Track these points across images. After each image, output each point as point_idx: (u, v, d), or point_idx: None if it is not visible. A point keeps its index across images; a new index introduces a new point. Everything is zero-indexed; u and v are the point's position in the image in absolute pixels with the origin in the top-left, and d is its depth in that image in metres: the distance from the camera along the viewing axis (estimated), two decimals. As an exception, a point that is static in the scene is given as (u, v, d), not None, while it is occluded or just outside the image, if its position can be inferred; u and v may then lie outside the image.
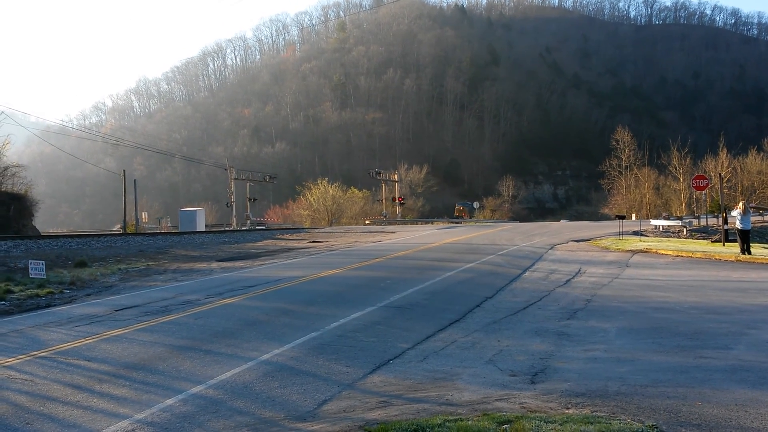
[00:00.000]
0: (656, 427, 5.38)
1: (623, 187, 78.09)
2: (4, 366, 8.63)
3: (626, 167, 78.64)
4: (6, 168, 43.43)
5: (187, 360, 8.70)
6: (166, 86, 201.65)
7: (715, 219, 42.88)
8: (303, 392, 7.20)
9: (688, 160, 69.55)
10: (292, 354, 8.88)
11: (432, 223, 65.06)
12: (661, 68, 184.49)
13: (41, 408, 6.82)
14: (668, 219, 43.61)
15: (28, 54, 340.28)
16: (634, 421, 5.56)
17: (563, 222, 64.37)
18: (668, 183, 74.29)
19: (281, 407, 6.71)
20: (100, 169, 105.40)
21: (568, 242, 29.73)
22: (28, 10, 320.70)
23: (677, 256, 23.01)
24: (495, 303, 13.40)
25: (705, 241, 30.29)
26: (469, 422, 5.56)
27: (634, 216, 63.18)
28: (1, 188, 41.33)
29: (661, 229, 37.50)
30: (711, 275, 17.81)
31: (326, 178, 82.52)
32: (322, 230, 49.66)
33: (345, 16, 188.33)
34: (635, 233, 33.90)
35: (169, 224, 75.58)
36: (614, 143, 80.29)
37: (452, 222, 67.05)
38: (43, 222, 70.48)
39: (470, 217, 78.44)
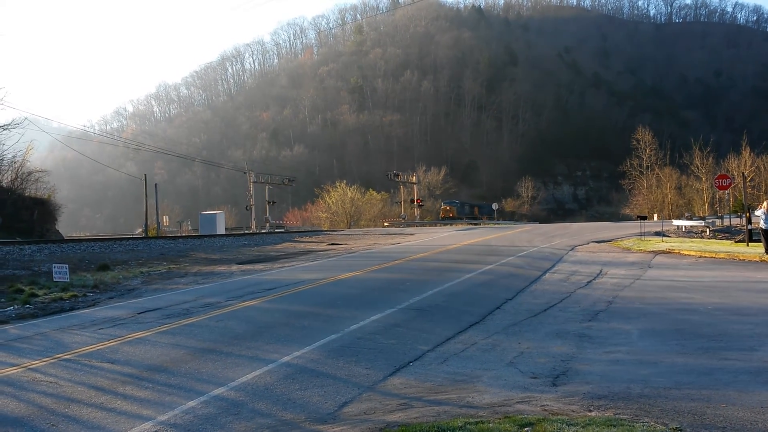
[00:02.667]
0: (680, 430, 5.32)
1: (644, 188, 77.24)
2: (29, 368, 8.77)
3: (647, 167, 77.77)
4: (29, 173, 44.16)
5: (208, 362, 8.77)
6: (185, 91, 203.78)
7: (739, 219, 42.21)
8: (323, 394, 7.22)
9: (710, 159, 68.61)
10: (312, 356, 8.91)
11: (451, 224, 64.88)
12: (682, 67, 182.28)
13: (66, 410, 6.92)
14: (691, 219, 43.10)
15: (50, 60, 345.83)
16: (657, 423, 5.50)
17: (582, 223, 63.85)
18: (690, 183, 73.35)
19: (302, 409, 6.74)
20: (121, 173, 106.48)
21: (588, 243, 29.48)
22: (51, 18, 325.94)
23: (700, 256, 22.71)
24: (515, 305, 13.33)
25: (728, 241, 29.84)
26: (490, 425, 5.54)
27: (655, 216, 62.49)
28: (24, 193, 42.03)
29: (683, 229, 37.05)
30: (735, 276, 17.56)
31: (344, 181, 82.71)
32: (341, 233, 49.78)
33: (362, 18, 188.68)
34: (657, 234, 33.52)
35: (190, 227, 76.38)
36: (635, 143, 79.45)
37: (471, 224, 66.81)
38: (66, 226, 71.55)
39: (489, 219, 77.85)
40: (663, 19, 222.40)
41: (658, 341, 9.57)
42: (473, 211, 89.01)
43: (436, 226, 63.15)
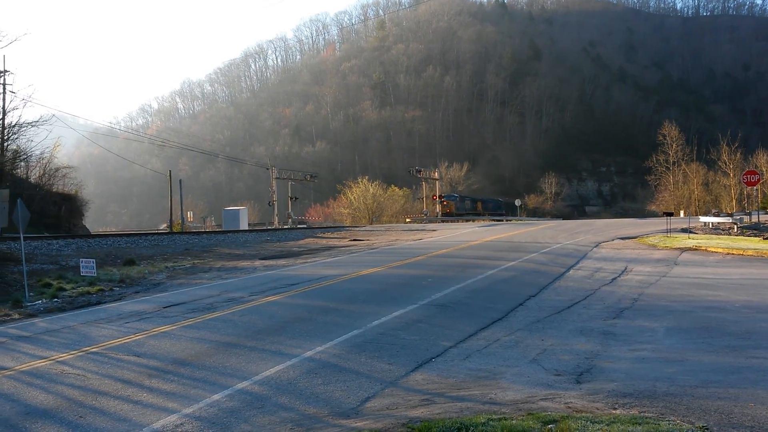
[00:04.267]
0: (707, 429, 5.25)
1: (671, 184, 76.08)
2: (57, 361, 8.95)
3: (674, 163, 76.60)
4: (57, 169, 44.93)
5: (232, 356, 8.86)
6: (209, 88, 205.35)
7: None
8: (346, 389, 7.25)
9: (738, 154, 67.29)
10: (335, 351, 8.95)
11: (473, 221, 64.62)
12: (710, 61, 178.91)
13: (93, 402, 7.04)
14: (718, 216, 42.39)
15: (76, 58, 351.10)
16: (683, 422, 5.43)
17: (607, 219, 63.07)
18: (718, 179, 72.09)
19: (325, 404, 6.77)
20: (146, 169, 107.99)
21: (613, 240, 29.16)
22: (77, 16, 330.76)
23: (727, 253, 22.34)
24: (538, 301, 13.25)
25: (757, 238, 29.29)
26: (514, 421, 5.52)
27: (682, 213, 61.54)
28: (52, 189, 42.74)
29: (710, 226, 36.46)
30: (763, 273, 17.25)
31: (366, 177, 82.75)
32: (363, 228, 49.86)
33: (384, 14, 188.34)
34: (684, 230, 33.02)
35: (213, 223, 77.04)
36: (661, 138, 78.27)
37: (493, 220, 66.44)
38: (93, 221, 72.66)
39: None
40: (690, 12, 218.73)
41: (685, 339, 9.45)
42: (475, 206, 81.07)
43: (458, 222, 62.90)
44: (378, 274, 17.58)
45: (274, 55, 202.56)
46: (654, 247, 25.65)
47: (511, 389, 7.05)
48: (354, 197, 77.10)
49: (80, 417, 6.57)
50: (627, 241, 28.77)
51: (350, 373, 7.89)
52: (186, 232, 41.96)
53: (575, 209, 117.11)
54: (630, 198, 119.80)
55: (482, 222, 59.40)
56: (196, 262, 24.11)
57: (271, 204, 67.11)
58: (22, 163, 40.87)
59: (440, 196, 77.03)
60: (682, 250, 23.62)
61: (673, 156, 76.67)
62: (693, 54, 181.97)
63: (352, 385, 7.42)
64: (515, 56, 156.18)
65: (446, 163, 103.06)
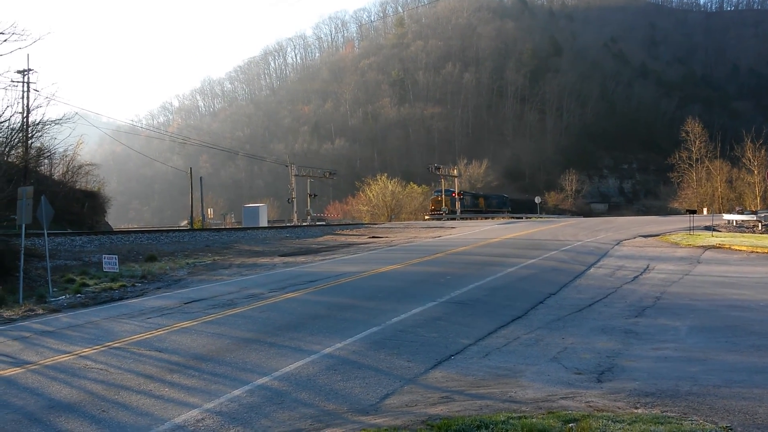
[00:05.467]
0: (730, 429, 5.18)
1: (694, 181, 75.04)
2: (80, 356, 9.07)
3: (697, 160, 75.51)
4: (80, 166, 45.51)
5: (252, 352, 8.92)
6: (229, 85, 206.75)
7: (794, 213, 40.63)
8: (365, 386, 7.26)
9: (762, 151, 66.08)
10: (354, 348, 8.97)
11: (492, 218, 64.33)
12: (734, 56, 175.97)
13: (116, 396, 7.13)
14: (742, 213, 41.65)
15: (99, 57, 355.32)
16: (706, 422, 5.36)
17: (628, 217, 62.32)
18: (742, 176, 70.87)
19: (344, 400, 6.79)
20: (167, 167, 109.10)
21: (635, 238, 28.85)
22: (99, 16, 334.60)
23: (752, 252, 21.97)
24: (559, 300, 13.15)
25: (783, 236, 28.77)
26: (534, 420, 5.48)
27: (705, 210, 60.71)
28: (75, 186, 43.31)
29: (734, 224, 35.89)
30: (790, 272, 16.94)
31: (385, 174, 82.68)
32: (382, 226, 49.88)
33: (403, 11, 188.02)
34: (707, 228, 32.55)
35: (233, 220, 77.66)
36: (684, 135, 77.23)
37: (512, 217, 66.05)
38: (115, 218, 73.59)
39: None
40: (714, 6, 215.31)
41: (708, 338, 9.32)
42: (477, 202, 75.82)
43: (477, 219, 62.66)
44: (397, 271, 17.57)
45: (293, 53, 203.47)
46: (677, 244, 25.32)
47: (531, 388, 7.00)
48: (373, 194, 77.11)
49: (103, 411, 6.66)
50: (649, 238, 28.45)
51: (369, 370, 7.90)
52: (206, 229, 42.31)
53: (596, 206, 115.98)
54: (652, 195, 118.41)
55: (501, 220, 59.09)
56: (216, 258, 24.31)
57: (290, 201, 67.42)
58: (46, 161, 41.45)
59: (435, 191, 71.55)
60: (706, 248, 23.29)
61: (696, 153, 75.59)
62: (717, 49, 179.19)
63: (372, 381, 7.43)
64: (535, 52, 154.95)
65: (465, 160, 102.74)
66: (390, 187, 76.70)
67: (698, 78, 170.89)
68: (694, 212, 33.67)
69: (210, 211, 69.06)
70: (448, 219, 62.73)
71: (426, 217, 67.75)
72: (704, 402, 6.04)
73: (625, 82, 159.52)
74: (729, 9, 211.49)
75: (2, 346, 10.02)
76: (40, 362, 8.81)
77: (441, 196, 69.38)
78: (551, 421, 5.44)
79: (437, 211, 67.92)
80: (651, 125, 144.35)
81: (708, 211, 59.96)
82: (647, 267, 18.23)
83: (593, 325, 10.56)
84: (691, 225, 31.17)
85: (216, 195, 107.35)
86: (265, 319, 11.19)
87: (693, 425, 5.22)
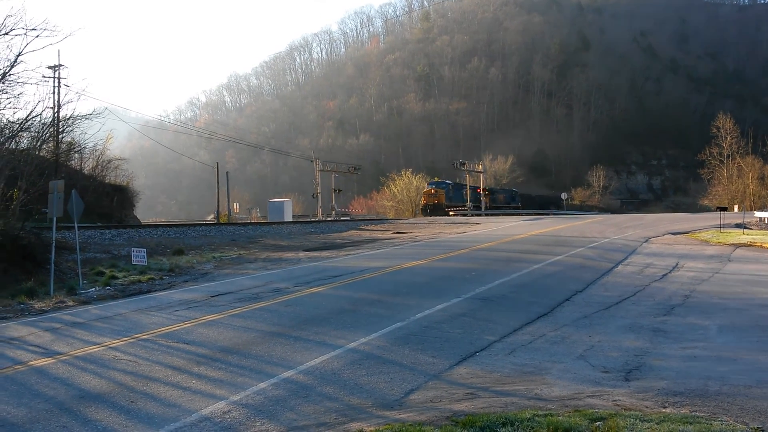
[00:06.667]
0: (762, 430, 5.08)
1: (724, 177, 73.62)
2: (110, 347, 9.23)
3: (728, 156, 74.06)
4: (109, 161, 46.24)
5: (277, 345, 8.98)
6: (255, 81, 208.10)
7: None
8: (390, 381, 7.27)
9: (796, 147, 64.71)
10: (378, 343, 8.98)
11: (518, 214, 63.82)
12: (767, 51, 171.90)
13: (144, 387, 7.24)
14: (775, 211, 40.74)
15: (128, 52, 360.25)
16: (737, 422, 5.27)
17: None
18: (774, 172, 69.42)
19: (368, 395, 6.80)
20: (195, 161, 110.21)
21: (664, 235, 28.41)
22: (128, 12, 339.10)
23: (785, 250, 21.49)
24: (585, 297, 13.01)
25: (817, 234, 28.08)
26: (560, 418, 5.43)
27: (736, 207, 59.51)
28: (105, 180, 44.02)
29: (766, 221, 35.13)
30: (825, 271, 16.53)
31: (410, 169, 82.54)
32: (406, 221, 49.84)
33: (429, 5, 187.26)
34: (738, 226, 31.92)
35: (259, 214, 78.26)
36: (715, 130, 75.82)
37: (538, 214, 65.44)
38: (143, 212, 74.54)
39: (557, 208, 75.26)
40: (746, 0, 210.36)
41: (738, 337, 9.15)
42: (477, 196, 65.36)
43: (502, 215, 62.22)
44: (421, 267, 17.54)
45: (318, 48, 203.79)
46: (707, 242, 24.88)
47: (557, 385, 6.94)
48: (397, 190, 77.04)
49: (132, 402, 6.76)
50: (678, 236, 27.99)
51: (394, 365, 7.90)
52: (232, 223, 42.70)
53: (625, 203, 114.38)
54: (682, 192, 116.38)
55: (526, 216, 58.60)
56: (242, 252, 24.52)
57: (314, 196, 67.69)
58: (76, 155, 42.15)
59: (427, 183, 63.26)
60: (736, 246, 22.84)
61: (727, 149, 74.15)
62: (749, 44, 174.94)
63: (396, 377, 7.43)
64: (563, 47, 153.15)
65: (490, 156, 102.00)
66: (414, 182, 76.53)
67: (730, 73, 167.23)
68: (724, 209, 33.03)
69: (236, 206, 69.63)
70: (472, 214, 62.19)
71: (451, 213, 60.93)
72: (734, 402, 5.93)
73: (655, 78, 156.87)
74: (762, 2, 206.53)
75: (34, 337, 10.24)
76: (71, 353, 8.98)
77: (435, 188, 60.67)
78: (578, 419, 5.38)
79: (430, 206, 59.21)
80: (681, 121, 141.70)
81: (739, 208, 58.77)
82: (676, 265, 17.95)
83: (621, 323, 10.43)
84: (722, 222, 30.59)
85: (241, 190, 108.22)
86: (290, 313, 11.26)
87: (723, 426, 5.12)
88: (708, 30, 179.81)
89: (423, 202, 61.39)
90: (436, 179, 72.15)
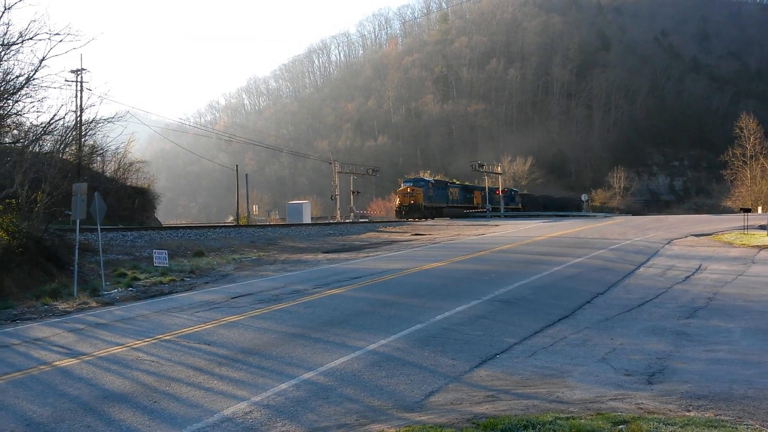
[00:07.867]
0: (790, 435, 4.99)
1: (748, 178, 72.49)
2: (132, 348, 9.34)
3: (751, 156, 72.95)
4: (131, 164, 46.88)
5: (298, 347, 9.02)
6: (274, 84, 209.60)
7: None
8: (410, 383, 7.26)
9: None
10: (398, 345, 8.97)
11: (538, 216, 63.45)
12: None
13: (166, 388, 7.31)
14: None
15: (149, 57, 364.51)
16: (763, 427, 5.19)
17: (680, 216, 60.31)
18: (799, 173, 68.23)
19: (389, 396, 6.80)
20: (214, 164, 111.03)
21: (686, 237, 28.05)
22: (149, 16, 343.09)
23: (812, 252, 21.10)
24: (607, 299, 12.89)
25: None
26: (582, 421, 5.39)
27: (760, 209, 58.61)
28: (126, 182, 44.62)
29: (791, 223, 34.50)
30: None
31: (428, 171, 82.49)
32: (425, 223, 49.76)
33: (447, 7, 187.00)
34: (762, 227, 31.35)
35: (278, 216, 78.60)
36: (738, 131, 74.76)
37: (557, 215, 64.98)
38: (164, 214, 75.36)
39: (578, 210, 74.65)
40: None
41: (764, 341, 9.01)
42: (470, 196, 62.34)
43: (521, 217, 61.88)
44: (440, 269, 17.51)
45: (337, 51, 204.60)
46: (730, 244, 24.52)
47: (579, 388, 6.89)
48: (416, 191, 76.78)
49: (154, 402, 6.83)
50: (701, 238, 27.63)
51: (414, 367, 7.89)
52: (252, 225, 42.98)
53: (646, 205, 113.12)
54: (704, 193, 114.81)
55: (546, 217, 58.23)
56: (261, 254, 24.67)
57: (333, 198, 67.89)
58: (99, 158, 42.83)
59: (404, 182, 56.33)
60: (760, 248, 22.48)
61: (750, 149, 73.04)
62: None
63: (416, 379, 7.42)
64: (583, 47, 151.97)
65: (509, 158, 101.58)
66: (433, 184, 76.28)
67: (753, 72, 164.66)
68: (748, 211, 32.53)
69: (255, 208, 70.07)
70: (491, 216, 61.95)
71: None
72: (760, 406, 5.84)
73: (676, 77, 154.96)
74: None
75: (58, 338, 10.39)
76: (94, 353, 9.10)
77: (411, 187, 52.77)
78: (600, 422, 5.33)
79: (406, 207, 51.72)
80: (703, 121, 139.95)
81: (763, 209, 57.84)
82: (699, 267, 17.71)
83: (643, 325, 10.32)
84: (745, 224, 30.12)
85: (260, 192, 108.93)
86: (310, 315, 11.30)
87: (748, 430, 5.04)
88: (730, 29, 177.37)
89: (398, 202, 54.29)
90: (412, 176, 66.83)
